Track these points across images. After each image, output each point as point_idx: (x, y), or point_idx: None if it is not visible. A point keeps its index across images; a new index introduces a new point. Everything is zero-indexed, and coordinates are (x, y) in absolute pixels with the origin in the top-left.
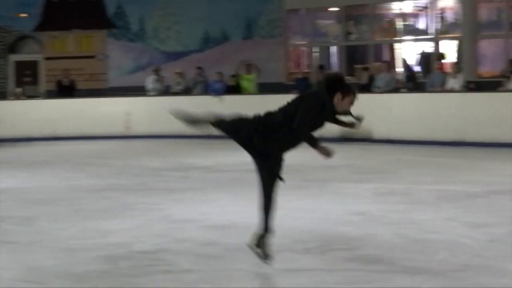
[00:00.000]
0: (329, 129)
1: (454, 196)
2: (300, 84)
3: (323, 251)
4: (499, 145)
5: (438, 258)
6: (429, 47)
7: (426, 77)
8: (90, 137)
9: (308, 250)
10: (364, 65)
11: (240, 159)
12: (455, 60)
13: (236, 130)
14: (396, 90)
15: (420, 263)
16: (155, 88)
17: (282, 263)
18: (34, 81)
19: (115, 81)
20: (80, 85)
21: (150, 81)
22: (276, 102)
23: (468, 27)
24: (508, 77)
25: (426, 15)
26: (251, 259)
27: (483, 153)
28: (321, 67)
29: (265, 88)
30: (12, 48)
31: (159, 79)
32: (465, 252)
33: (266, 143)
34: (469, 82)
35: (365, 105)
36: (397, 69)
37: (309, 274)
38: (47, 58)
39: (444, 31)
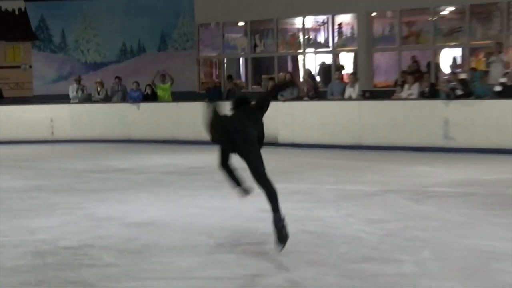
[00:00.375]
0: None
1: (353, 195)
2: (212, 93)
3: (234, 246)
4: (393, 149)
5: (339, 251)
6: (328, 59)
7: (326, 86)
8: (17, 141)
9: (221, 244)
10: (270, 75)
11: (157, 162)
12: (352, 71)
13: None
14: (299, 98)
15: (323, 256)
16: (77, 96)
17: (198, 256)
18: None
19: (39, 89)
20: (7, 94)
21: (72, 90)
22: (189, 109)
23: (363, 40)
24: (401, 86)
25: (326, 30)
26: (167, 254)
27: (379, 156)
28: (230, 77)
29: (179, 96)
30: None
31: (81, 88)
32: (363, 246)
33: None
34: (365, 91)
35: (271, 112)
36: (300, 79)
37: (222, 266)
38: None
39: (342, 44)
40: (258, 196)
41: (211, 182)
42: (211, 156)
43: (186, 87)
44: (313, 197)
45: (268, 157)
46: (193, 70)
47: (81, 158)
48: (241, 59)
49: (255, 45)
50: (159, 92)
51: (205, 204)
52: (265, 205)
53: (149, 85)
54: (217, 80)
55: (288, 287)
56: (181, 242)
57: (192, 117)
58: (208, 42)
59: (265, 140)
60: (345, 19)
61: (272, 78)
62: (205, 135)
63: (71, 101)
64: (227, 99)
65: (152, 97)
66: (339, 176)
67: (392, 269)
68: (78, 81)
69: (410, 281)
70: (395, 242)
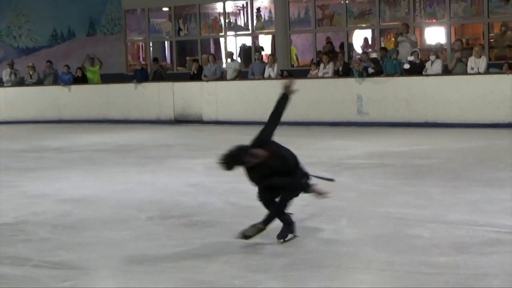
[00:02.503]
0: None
1: None
2: (139, 74)
3: (163, 218)
4: (310, 124)
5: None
6: (248, 41)
7: (247, 66)
8: None
9: (150, 218)
10: (194, 57)
11: (89, 141)
12: (271, 52)
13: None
14: (221, 78)
15: (246, 226)
16: (10, 80)
17: (129, 230)
18: None
19: None
20: None
21: (5, 74)
22: (118, 90)
23: (281, 23)
24: (316, 66)
25: (245, 14)
26: (100, 228)
27: (297, 131)
28: (155, 60)
29: (108, 78)
30: None
31: (14, 72)
32: None
33: None
34: (283, 71)
35: (196, 92)
36: (222, 60)
37: (152, 239)
38: None
39: (261, 27)
40: (183, 172)
41: (140, 159)
42: (140, 134)
43: (115, 69)
44: (236, 171)
45: (193, 134)
46: (120, 53)
47: (15, 138)
48: (166, 42)
49: (179, 29)
50: (89, 75)
51: (134, 180)
52: (190, 179)
53: (79, 68)
54: (143, 62)
55: (214, 256)
56: (113, 216)
57: (121, 98)
58: (135, 26)
59: (190, 118)
60: (263, 3)
61: (196, 60)
62: (134, 114)
63: (5, 84)
64: (153, 80)
65: (82, 79)
66: None
67: (313, 236)
68: (11, 66)
69: (330, 247)
70: (314, 212)
